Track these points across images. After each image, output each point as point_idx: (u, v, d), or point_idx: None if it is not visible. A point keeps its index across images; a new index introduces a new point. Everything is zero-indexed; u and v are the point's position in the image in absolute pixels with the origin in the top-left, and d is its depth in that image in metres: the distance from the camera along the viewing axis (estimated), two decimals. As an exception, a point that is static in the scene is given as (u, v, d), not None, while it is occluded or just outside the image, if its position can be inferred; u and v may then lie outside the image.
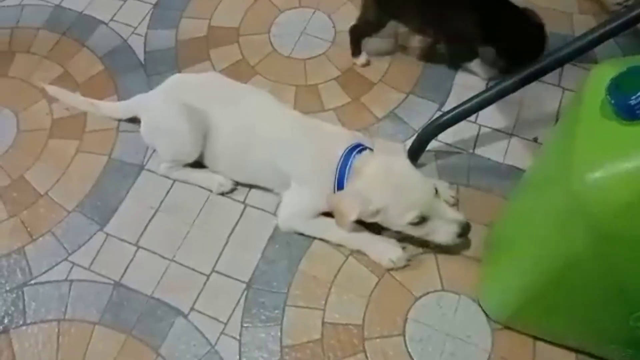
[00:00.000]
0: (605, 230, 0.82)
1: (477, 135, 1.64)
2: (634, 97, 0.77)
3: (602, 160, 0.81)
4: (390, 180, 1.29)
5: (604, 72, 0.87)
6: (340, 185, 1.37)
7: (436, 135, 1.50)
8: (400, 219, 1.30)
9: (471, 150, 1.61)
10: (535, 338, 1.33)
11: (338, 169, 1.36)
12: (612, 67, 0.87)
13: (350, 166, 1.35)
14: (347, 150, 1.37)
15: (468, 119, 1.64)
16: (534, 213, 1.05)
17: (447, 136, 1.61)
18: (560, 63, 1.30)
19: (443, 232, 1.33)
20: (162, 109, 1.51)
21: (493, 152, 1.61)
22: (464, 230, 1.33)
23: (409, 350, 1.33)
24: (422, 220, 1.30)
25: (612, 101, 0.80)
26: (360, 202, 1.29)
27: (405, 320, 1.37)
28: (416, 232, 1.34)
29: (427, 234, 1.35)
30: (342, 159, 1.37)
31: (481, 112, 1.66)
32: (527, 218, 1.12)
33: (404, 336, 1.36)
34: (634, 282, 0.89)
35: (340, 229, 1.39)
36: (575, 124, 0.88)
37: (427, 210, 1.29)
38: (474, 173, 1.57)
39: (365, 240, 1.45)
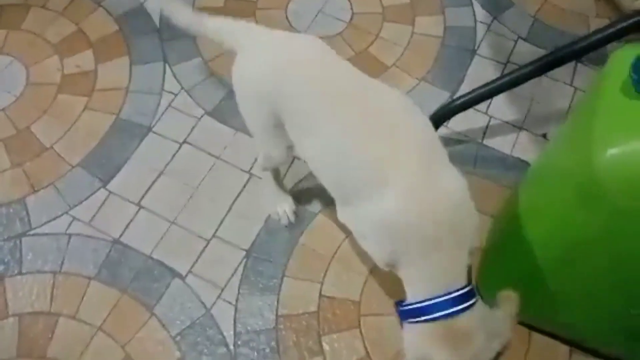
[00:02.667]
0: (622, 207, 0.83)
1: (487, 126, 1.64)
2: (657, 73, 0.78)
3: (622, 137, 0.82)
4: None
5: (627, 53, 0.88)
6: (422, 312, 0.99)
7: (448, 118, 1.50)
8: None
9: (480, 140, 1.61)
10: (531, 329, 1.34)
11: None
12: (636, 49, 0.88)
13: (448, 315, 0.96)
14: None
15: (479, 109, 1.65)
16: (547, 194, 1.05)
17: (457, 124, 1.62)
18: (576, 55, 1.31)
19: None
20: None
21: (501, 143, 1.61)
22: None
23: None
24: None
25: (635, 77, 0.80)
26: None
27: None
28: None
29: None
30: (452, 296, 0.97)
31: (492, 104, 1.67)
32: (538, 200, 1.12)
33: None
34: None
35: None
36: (596, 101, 0.88)
37: None
38: (481, 162, 1.57)
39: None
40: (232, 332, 1.34)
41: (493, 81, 1.41)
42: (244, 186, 1.53)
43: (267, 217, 1.48)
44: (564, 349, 1.32)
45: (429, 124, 1.04)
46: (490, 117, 1.66)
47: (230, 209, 1.50)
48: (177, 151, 1.58)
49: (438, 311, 0.96)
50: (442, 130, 1.59)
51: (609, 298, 1.04)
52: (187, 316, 1.36)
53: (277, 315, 1.36)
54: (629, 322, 1.06)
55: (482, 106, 1.65)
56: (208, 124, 1.62)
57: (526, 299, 1.19)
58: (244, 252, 1.44)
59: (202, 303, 1.38)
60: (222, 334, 1.34)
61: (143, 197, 1.51)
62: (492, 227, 1.42)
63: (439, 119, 1.48)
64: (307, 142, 1.09)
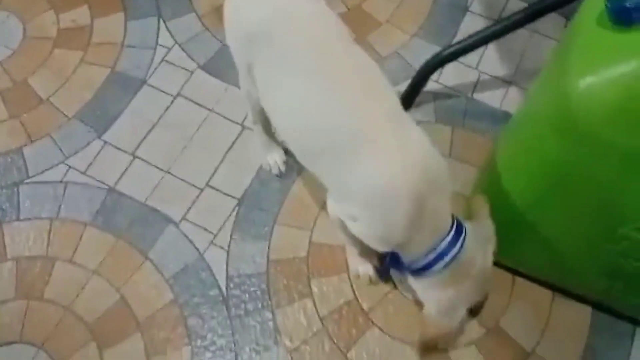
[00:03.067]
0: (597, 135, 0.85)
1: (477, 81, 1.66)
2: (630, 1, 0.79)
3: (596, 66, 0.83)
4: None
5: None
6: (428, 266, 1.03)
7: (438, 67, 1.52)
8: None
9: (469, 95, 1.63)
10: (514, 274, 1.37)
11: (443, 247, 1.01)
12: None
13: (454, 258, 1.01)
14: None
15: (470, 65, 1.67)
16: (526, 135, 1.07)
17: (448, 79, 1.64)
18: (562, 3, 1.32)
19: None
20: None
21: (491, 98, 1.63)
22: None
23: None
24: None
25: (610, 6, 0.82)
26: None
27: (390, 246, 1.41)
28: None
29: None
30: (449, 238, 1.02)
31: (483, 60, 1.69)
32: (518, 144, 1.14)
33: (387, 261, 1.40)
34: (621, 193, 0.92)
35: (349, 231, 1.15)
36: (573, 35, 0.90)
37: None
38: (470, 116, 1.59)
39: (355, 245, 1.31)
40: (224, 276, 1.38)
41: (481, 30, 1.42)
42: (237, 138, 1.56)
43: (259, 168, 1.51)
44: (546, 293, 1.35)
45: (395, 93, 1.05)
46: (481, 72, 1.67)
47: (223, 159, 1.53)
48: (171, 104, 1.61)
49: (443, 259, 1.01)
50: (433, 85, 1.61)
51: (588, 233, 1.07)
52: (181, 260, 1.40)
53: (268, 260, 1.40)
54: (606, 259, 1.09)
55: (472, 61, 1.67)
56: (201, 78, 1.65)
57: (510, 244, 1.23)
58: (236, 201, 1.48)
59: (196, 248, 1.42)
60: (214, 277, 1.38)
61: (137, 147, 1.55)
62: (478, 177, 1.45)
63: (430, 69, 1.49)
64: (277, 96, 1.09)
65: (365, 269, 1.35)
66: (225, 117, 1.59)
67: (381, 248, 1.09)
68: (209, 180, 1.50)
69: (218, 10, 1.75)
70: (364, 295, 1.36)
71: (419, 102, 1.59)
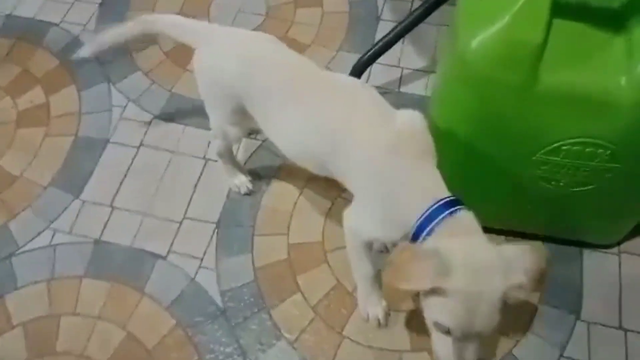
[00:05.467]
0: (491, 78, 1.05)
1: (401, 76, 1.88)
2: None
3: (479, 24, 1.05)
4: (473, 269, 0.96)
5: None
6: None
7: (362, 72, 1.72)
8: (435, 314, 0.99)
9: (397, 89, 1.85)
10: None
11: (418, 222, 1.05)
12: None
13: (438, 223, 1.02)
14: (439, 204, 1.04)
15: (392, 64, 1.89)
16: (443, 90, 1.27)
17: (376, 80, 1.85)
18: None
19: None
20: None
21: (416, 88, 1.85)
22: None
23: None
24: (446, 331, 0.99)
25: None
26: (438, 270, 0.94)
27: (359, 231, 1.57)
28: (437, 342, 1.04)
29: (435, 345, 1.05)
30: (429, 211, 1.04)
31: (402, 57, 1.91)
32: (441, 103, 1.32)
33: (360, 245, 1.56)
34: (525, 123, 1.12)
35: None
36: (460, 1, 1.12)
37: (457, 333, 0.98)
38: (402, 107, 1.78)
39: (367, 287, 1.39)
40: (217, 292, 1.51)
41: (390, 32, 1.65)
42: (202, 170, 1.71)
43: (229, 191, 1.67)
44: (499, 240, 1.53)
45: (375, 91, 1.22)
46: (403, 68, 1.89)
47: (194, 191, 1.68)
48: (136, 154, 1.75)
49: (439, 215, 1.02)
50: (365, 87, 1.82)
51: (513, 166, 1.24)
52: (176, 288, 1.52)
53: (254, 268, 1.54)
54: (534, 187, 1.27)
55: (394, 61, 1.89)
56: (159, 125, 1.81)
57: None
58: (214, 225, 1.62)
59: (186, 273, 1.54)
60: (209, 295, 1.51)
61: (114, 198, 1.67)
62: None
63: (356, 74, 1.70)
64: (273, 120, 1.27)
65: (374, 312, 1.42)
66: (188, 155, 1.74)
67: (394, 233, 1.12)
68: (185, 213, 1.64)
69: (161, 65, 1.94)
70: (345, 279, 1.51)
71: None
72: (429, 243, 1.01)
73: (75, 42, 2.00)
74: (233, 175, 1.65)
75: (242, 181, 1.65)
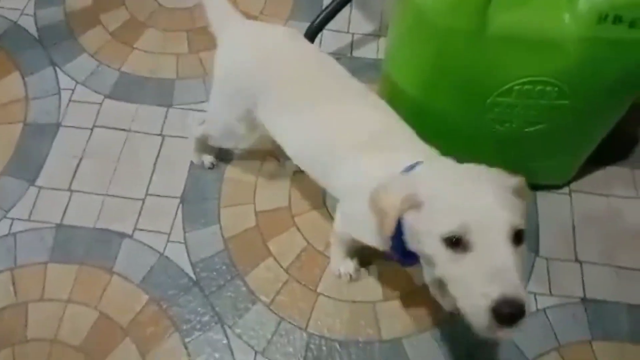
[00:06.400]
0: (443, 26, 1.10)
1: (352, 42, 1.91)
2: None
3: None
4: (447, 175, 0.95)
5: None
6: None
7: (315, 36, 1.75)
8: (437, 225, 0.87)
9: (349, 55, 1.88)
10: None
11: None
12: None
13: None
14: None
15: (342, 30, 1.92)
16: (399, 45, 1.31)
17: (328, 46, 1.88)
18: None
19: (474, 294, 0.82)
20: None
21: (367, 52, 1.88)
22: (502, 313, 0.79)
23: (333, 217, 1.55)
24: (460, 245, 0.84)
25: None
26: (406, 186, 0.92)
27: (325, 194, 1.60)
28: (444, 268, 0.88)
29: (453, 286, 0.87)
30: None
31: (351, 23, 1.95)
32: (395, 59, 1.37)
33: (326, 207, 1.59)
34: (477, 68, 1.17)
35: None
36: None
37: (474, 231, 0.83)
38: (357, 71, 1.78)
39: (342, 250, 1.44)
40: (189, 264, 1.51)
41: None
42: (160, 146, 1.69)
43: (190, 166, 1.66)
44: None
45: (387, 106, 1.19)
46: (353, 34, 1.92)
47: (154, 168, 1.66)
48: (90, 136, 1.71)
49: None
50: (317, 54, 1.84)
51: (470, 111, 1.29)
52: (145, 265, 1.51)
53: (224, 238, 1.54)
54: (489, 131, 1.32)
55: (344, 27, 1.93)
56: (111, 105, 1.77)
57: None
58: (178, 199, 1.61)
59: (155, 250, 1.53)
60: (180, 268, 1.50)
61: (71, 182, 1.63)
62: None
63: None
64: (282, 121, 1.24)
65: (346, 268, 1.47)
66: (144, 133, 1.72)
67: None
68: (147, 190, 1.62)
69: (107, 45, 1.89)
70: (315, 240, 1.54)
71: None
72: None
73: (15, 28, 1.92)
74: (201, 153, 1.64)
75: (208, 158, 1.65)
